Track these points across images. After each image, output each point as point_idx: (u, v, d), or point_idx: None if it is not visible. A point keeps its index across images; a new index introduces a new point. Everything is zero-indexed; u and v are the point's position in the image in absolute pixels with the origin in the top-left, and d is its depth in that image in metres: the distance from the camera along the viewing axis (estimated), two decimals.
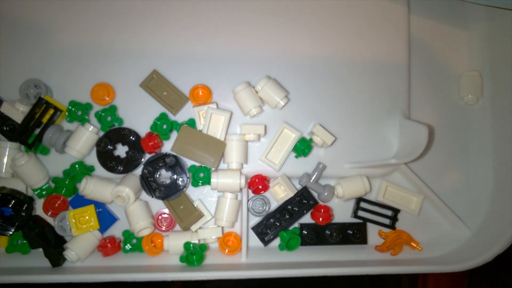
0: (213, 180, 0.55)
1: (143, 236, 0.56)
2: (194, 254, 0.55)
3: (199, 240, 0.56)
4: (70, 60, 0.58)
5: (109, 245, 0.56)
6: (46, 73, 0.58)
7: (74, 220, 0.53)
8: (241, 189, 0.56)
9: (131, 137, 0.57)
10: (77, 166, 0.55)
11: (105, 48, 0.59)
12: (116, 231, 0.58)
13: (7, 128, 0.55)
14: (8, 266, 0.55)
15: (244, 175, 0.56)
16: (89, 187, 0.53)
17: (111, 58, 0.59)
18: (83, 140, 0.55)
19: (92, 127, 0.55)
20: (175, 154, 0.56)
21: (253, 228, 0.58)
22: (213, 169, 0.57)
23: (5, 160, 0.54)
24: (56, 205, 0.55)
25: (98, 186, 0.54)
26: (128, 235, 0.57)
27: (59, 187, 0.56)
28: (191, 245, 0.54)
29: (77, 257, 0.54)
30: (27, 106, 0.55)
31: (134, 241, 0.57)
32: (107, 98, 0.57)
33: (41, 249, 0.55)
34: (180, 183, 0.56)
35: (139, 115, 0.59)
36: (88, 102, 0.57)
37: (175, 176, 0.56)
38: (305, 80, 0.61)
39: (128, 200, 0.54)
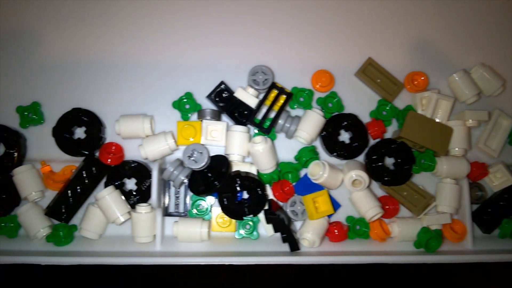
0: (440, 166, 0.55)
1: (371, 222, 0.56)
2: (430, 240, 0.54)
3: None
4: (291, 47, 0.60)
5: (336, 231, 0.55)
6: (266, 59, 0.59)
7: (312, 205, 0.53)
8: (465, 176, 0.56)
9: (353, 123, 0.57)
10: (308, 151, 0.55)
11: (324, 35, 0.60)
12: (336, 217, 0.58)
13: (240, 113, 0.56)
14: (239, 250, 0.55)
15: (468, 161, 0.56)
16: (325, 173, 0.53)
17: (329, 45, 0.60)
18: (313, 124, 0.55)
19: (321, 111, 0.56)
20: (397, 140, 0.56)
21: (473, 215, 0.58)
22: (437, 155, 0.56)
23: (237, 143, 0.55)
24: (284, 190, 0.55)
25: (330, 171, 0.54)
26: (353, 221, 0.56)
27: (286, 172, 0.56)
28: (427, 231, 0.54)
29: (313, 241, 0.53)
30: (256, 92, 0.56)
31: (358, 227, 0.57)
32: (323, 86, 0.58)
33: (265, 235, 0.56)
34: (406, 169, 0.56)
35: (354, 102, 0.59)
36: (309, 88, 0.58)
37: (400, 162, 0.56)
38: None
39: (364, 185, 0.54)
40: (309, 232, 0.54)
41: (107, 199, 0.52)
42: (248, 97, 0.55)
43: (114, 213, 0.52)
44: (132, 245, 0.54)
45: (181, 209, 0.56)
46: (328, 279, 0.77)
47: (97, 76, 0.58)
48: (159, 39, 0.59)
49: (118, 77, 0.58)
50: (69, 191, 0.54)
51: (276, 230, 0.53)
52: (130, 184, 0.56)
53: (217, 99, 0.56)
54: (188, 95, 0.56)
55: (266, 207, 0.54)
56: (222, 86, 0.56)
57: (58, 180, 0.55)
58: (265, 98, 0.55)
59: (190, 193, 0.56)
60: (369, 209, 0.54)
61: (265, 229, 0.56)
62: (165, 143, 0.54)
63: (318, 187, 0.56)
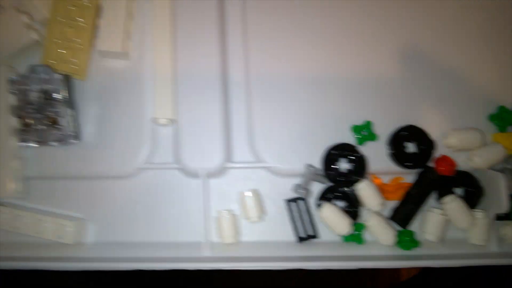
0: None
1: None
2: None
3: None
4: None
5: None
6: None
7: None
8: None
9: None
10: None
11: None
12: None
13: None
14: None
15: None
16: None
17: None
18: None
19: None
20: None
21: None
22: None
23: None
24: None
25: None
26: None
27: None
28: None
29: None
30: None
31: None
32: None
33: None
34: None
35: None
36: None
37: None
38: None
39: None
40: None
41: (453, 207, 0.58)
42: None
43: (463, 220, 0.58)
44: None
45: None
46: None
47: (417, 93, 0.64)
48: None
49: (431, 92, 0.64)
50: (409, 200, 0.60)
51: None
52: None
53: None
54: (504, 109, 0.62)
55: None
56: None
57: (391, 190, 0.61)
58: None
59: None
60: None
61: None
62: (500, 152, 0.59)
63: None
